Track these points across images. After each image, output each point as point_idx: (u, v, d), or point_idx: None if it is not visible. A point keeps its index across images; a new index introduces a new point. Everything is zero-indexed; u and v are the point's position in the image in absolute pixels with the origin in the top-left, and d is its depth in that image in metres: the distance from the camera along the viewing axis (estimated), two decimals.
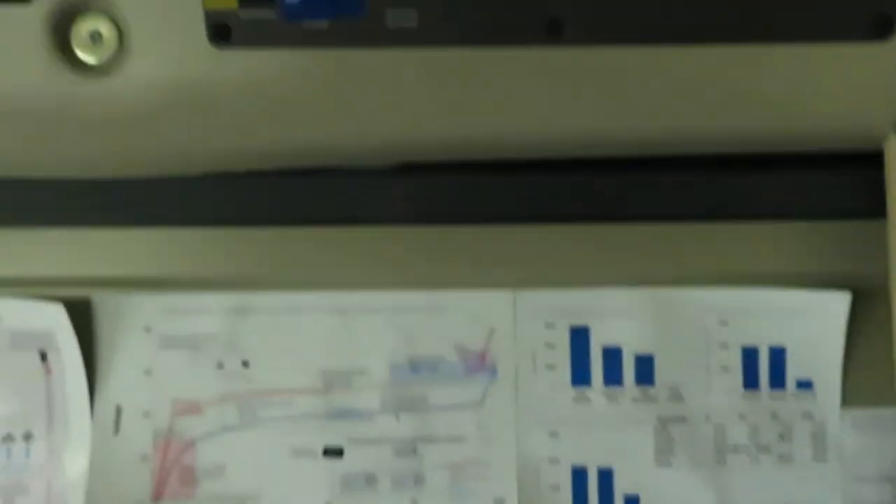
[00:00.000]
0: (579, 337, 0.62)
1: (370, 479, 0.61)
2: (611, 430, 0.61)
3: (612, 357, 0.62)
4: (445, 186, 0.62)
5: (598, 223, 0.62)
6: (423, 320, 0.62)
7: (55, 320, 0.60)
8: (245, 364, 0.62)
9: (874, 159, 0.58)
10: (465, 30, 0.54)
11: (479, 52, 0.55)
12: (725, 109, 0.57)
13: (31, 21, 0.55)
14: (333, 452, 0.62)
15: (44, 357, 0.61)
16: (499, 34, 0.54)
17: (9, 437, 0.61)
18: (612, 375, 0.62)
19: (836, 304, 0.60)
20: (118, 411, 0.62)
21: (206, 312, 0.62)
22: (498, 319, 0.62)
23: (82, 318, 0.62)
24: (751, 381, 0.62)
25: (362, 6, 0.54)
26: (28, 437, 0.61)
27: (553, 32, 0.54)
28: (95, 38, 0.56)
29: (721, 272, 0.61)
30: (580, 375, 0.62)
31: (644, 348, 0.61)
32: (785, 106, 0.57)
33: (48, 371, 0.61)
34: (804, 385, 0.61)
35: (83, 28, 0.56)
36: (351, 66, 0.56)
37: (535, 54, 0.55)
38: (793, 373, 0.62)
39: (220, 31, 0.54)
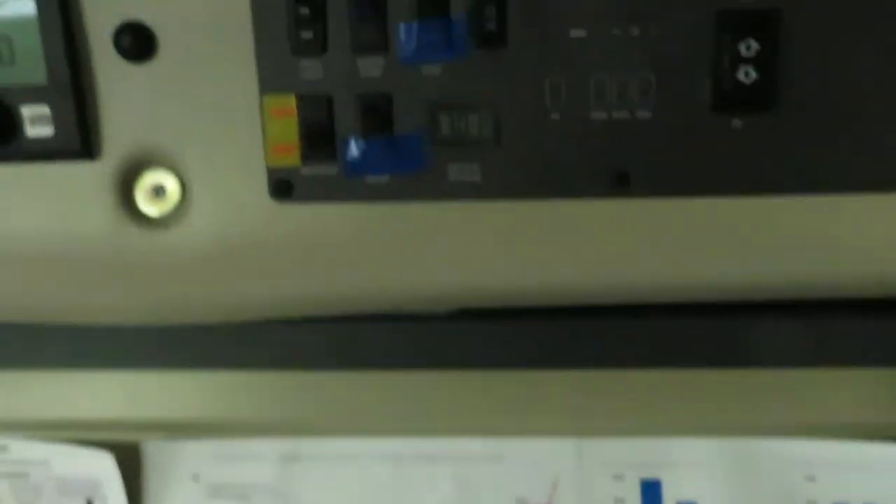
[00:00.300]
0: (650, 491, 0.57)
1: None
2: None
3: None
4: (506, 330, 0.59)
5: (669, 368, 0.58)
6: (482, 470, 0.58)
7: (103, 468, 0.58)
8: None
9: None
10: (529, 183, 0.52)
11: (542, 204, 0.52)
12: (805, 256, 0.53)
13: (98, 175, 0.54)
14: None
15: None
16: (564, 187, 0.52)
17: None
18: None
19: None
20: None
21: (256, 459, 0.59)
22: (562, 470, 0.58)
23: (131, 463, 0.60)
24: None
25: (424, 161, 0.52)
26: None
27: (620, 185, 0.51)
28: (159, 191, 0.55)
29: (806, 422, 0.56)
30: None
31: None
32: (869, 252, 0.53)
33: None
34: None
35: (147, 182, 0.55)
36: (412, 218, 0.53)
37: (601, 205, 0.52)
38: None
39: (283, 187, 0.53)
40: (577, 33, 0.50)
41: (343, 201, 0.53)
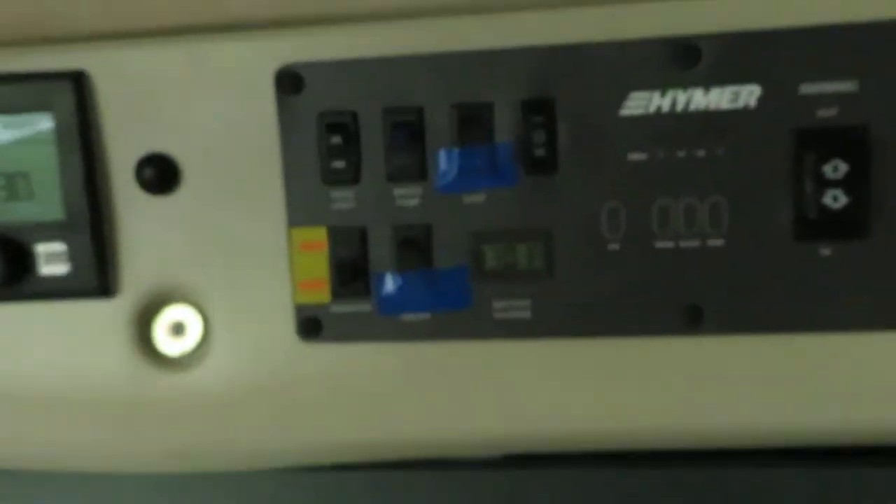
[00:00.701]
0: None
1: None
2: None
3: None
4: (556, 478, 0.51)
5: None
6: None
7: None
8: None
9: None
10: (585, 320, 0.45)
11: (600, 343, 0.45)
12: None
13: (114, 313, 0.49)
14: None
15: None
16: (626, 324, 0.45)
17: None
18: None
19: None
20: None
21: None
22: None
23: None
24: None
25: (467, 297, 0.46)
26: None
27: (692, 321, 0.44)
28: (178, 329, 0.49)
29: None
30: None
31: None
32: None
33: None
34: None
35: (166, 319, 0.49)
36: (454, 359, 0.47)
37: (669, 344, 0.45)
38: None
39: (311, 326, 0.47)
40: (637, 156, 0.44)
41: (377, 341, 0.47)
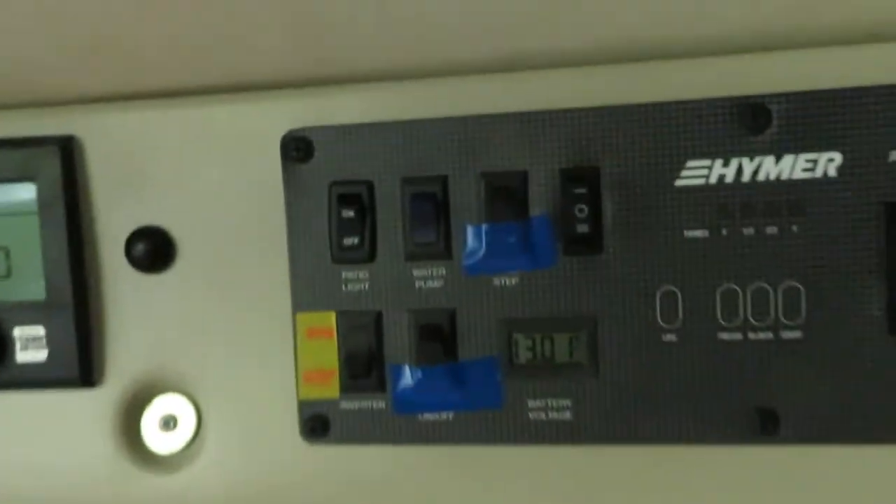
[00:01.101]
0: None
1: None
2: None
3: None
4: None
5: None
6: None
7: None
8: None
9: None
10: (635, 424, 0.37)
11: (652, 451, 0.38)
12: None
13: (98, 405, 0.43)
14: None
15: None
16: (685, 430, 0.37)
17: None
18: None
19: None
20: None
21: None
22: None
23: None
24: None
25: (497, 394, 0.39)
26: None
27: (766, 428, 0.36)
28: (169, 423, 0.42)
29: None
30: None
31: None
32: None
33: None
34: None
35: (155, 412, 0.43)
36: (481, 465, 0.40)
37: (739, 454, 0.37)
38: None
39: (317, 425, 0.40)
40: (697, 233, 0.37)
41: (392, 443, 0.40)
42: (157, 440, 0.43)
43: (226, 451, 0.42)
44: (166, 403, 0.43)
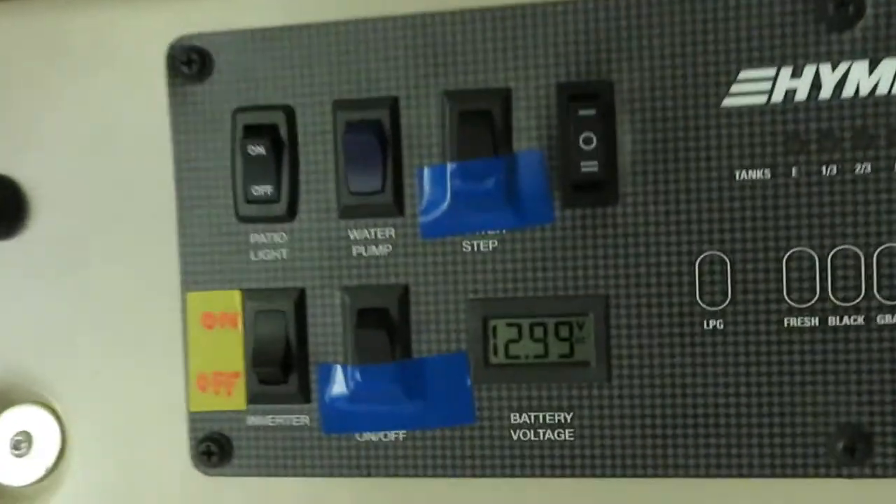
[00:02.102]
0: None
1: None
2: None
3: None
4: None
5: None
6: None
7: None
8: None
9: None
10: (664, 447, 0.25)
11: (685, 485, 0.25)
12: None
13: None
14: None
15: None
16: (739, 457, 0.25)
17: None
18: None
19: None
20: None
21: None
22: None
23: None
24: None
25: (468, 407, 0.26)
26: None
27: (850, 455, 0.24)
28: (20, 445, 0.30)
29: None
30: None
31: None
32: None
33: None
34: None
35: (4, 431, 0.30)
36: (443, 503, 0.27)
37: (815, 488, 0.25)
38: None
39: (215, 448, 0.27)
40: (753, 174, 0.25)
41: (318, 475, 0.27)
42: (6, 467, 0.30)
43: (95, 481, 0.29)
44: (17, 418, 0.30)
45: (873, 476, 0.25)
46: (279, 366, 0.27)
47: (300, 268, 0.28)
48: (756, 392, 0.26)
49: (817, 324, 0.26)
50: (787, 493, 0.26)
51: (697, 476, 0.26)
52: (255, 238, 0.28)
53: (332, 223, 0.28)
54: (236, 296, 0.28)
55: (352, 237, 0.28)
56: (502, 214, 0.26)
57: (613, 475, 0.27)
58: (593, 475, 0.27)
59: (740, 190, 0.26)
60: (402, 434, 0.28)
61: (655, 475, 0.27)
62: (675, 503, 0.27)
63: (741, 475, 0.26)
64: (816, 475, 0.26)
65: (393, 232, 0.27)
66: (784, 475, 0.26)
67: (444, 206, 0.27)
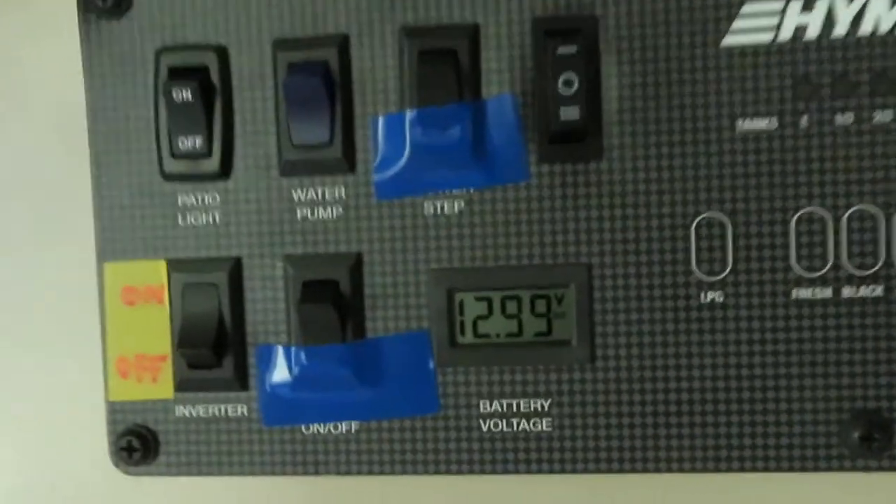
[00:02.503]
0: None
1: None
2: None
3: None
4: None
5: None
6: None
7: None
8: None
9: None
10: (651, 444, 0.22)
11: (679, 480, 0.22)
12: None
13: None
14: None
15: None
16: (744, 448, 0.21)
17: None
18: None
19: None
20: None
21: None
22: None
23: None
24: None
25: (432, 393, 0.23)
26: None
27: (867, 445, 0.21)
28: None
29: None
30: None
31: None
32: None
33: None
34: None
35: None
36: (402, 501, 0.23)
37: (828, 482, 0.22)
38: None
39: (138, 444, 0.23)
40: (756, 124, 0.22)
41: (260, 473, 0.23)
42: None
43: (6, 483, 0.25)
44: None
45: (892, 469, 0.22)
46: (211, 347, 0.23)
47: (236, 234, 0.24)
48: (760, 375, 0.22)
49: (830, 295, 0.22)
50: (796, 489, 0.23)
51: (693, 471, 0.23)
52: (182, 199, 0.24)
53: (272, 181, 0.23)
54: (161, 266, 0.24)
55: (296, 198, 0.24)
56: (470, 171, 0.23)
57: (598, 471, 0.23)
58: (575, 471, 0.23)
59: (743, 142, 0.22)
60: (354, 426, 0.24)
61: (646, 470, 0.23)
62: (670, 503, 0.24)
63: (744, 469, 0.22)
64: (829, 468, 0.22)
65: (343, 191, 0.23)
66: (792, 469, 0.22)
67: (403, 161, 0.23)
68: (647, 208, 0.22)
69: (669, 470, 0.23)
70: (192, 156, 0.23)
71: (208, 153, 0.23)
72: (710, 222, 0.22)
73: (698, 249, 0.22)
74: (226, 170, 0.24)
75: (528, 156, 0.23)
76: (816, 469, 0.22)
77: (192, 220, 0.24)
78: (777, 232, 0.22)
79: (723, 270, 0.22)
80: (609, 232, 0.23)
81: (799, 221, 0.22)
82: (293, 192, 0.24)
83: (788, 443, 0.22)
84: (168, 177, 0.24)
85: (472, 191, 0.23)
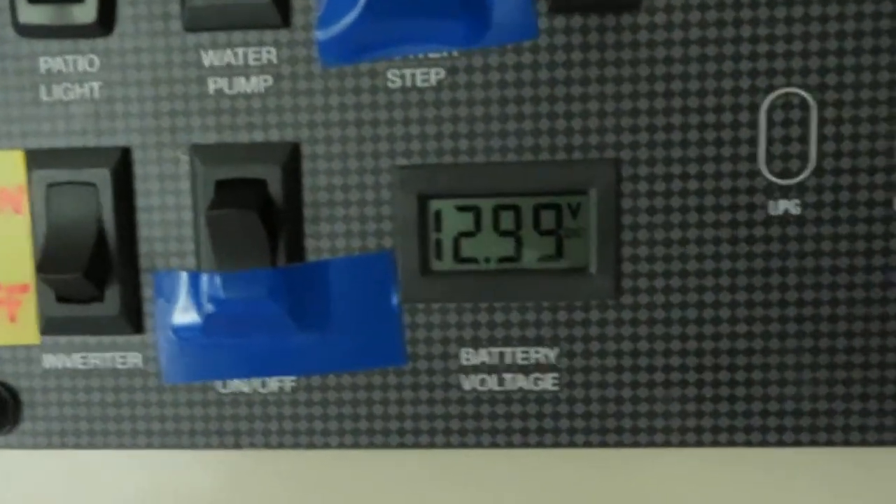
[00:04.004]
0: None
1: None
2: None
3: None
4: None
5: None
6: None
7: None
8: None
9: None
10: (690, 410, 0.15)
11: (715, 455, 0.16)
12: None
13: None
14: None
15: None
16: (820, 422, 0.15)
17: None
18: None
19: None
20: None
21: None
22: None
23: None
24: None
25: (397, 339, 0.16)
26: None
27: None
28: None
29: None
30: None
31: None
32: None
33: None
34: None
35: None
36: (361, 484, 0.17)
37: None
38: None
39: None
40: None
41: (161, 446, 0.17)
42: None
43: None
44: None
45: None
46: (87, 272, 0.17)
47: (122, 114, 0.17)
48: (846, 316, 0.16)
49: None
50: (854, 464, 0.17)
51: (746, 445, 0.17)
52: (46, 63, 0.17)
53: (172, 39, 0.16)
54: (18, 159, 0.17)
55: (206, 62, 0.17)
56: (453, 23, 0.16)
57: (619, 445, 0.16)
58: (589, 444, 0.16)
59: None
60: (289, 383, 0.17)
61: (684, 444, 0.17)
62: (713, 483, 0.18)
63: (815, 443, 0.16)
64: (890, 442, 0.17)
65: (273, 54, 0.17)
66: (875, 443, 0.16)
67: (357, 9, 0.16)
68: (700, 81, 0.16)
69: (715, 443, 0.17)
70: (57, 0, 0.16)
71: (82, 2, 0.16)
72: (787, 102, 0.16)
73: (770, 140, 0.16)
74: (106, 20, 0.16)
75: (535, 2, 0.16)
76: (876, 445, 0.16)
77: (61, 93, 0.17)
78: (880, 116, 0.16)
79: (802, 170, 0.16)
80: (646, 115, 0.16)
81: None
82: (202, 54, 0.17)
83: (882, 409, 0.16)
84: (24, 30, 0.17)
85: (455, 53, 0.16)
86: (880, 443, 0.16)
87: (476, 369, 0.17)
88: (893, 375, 0.16)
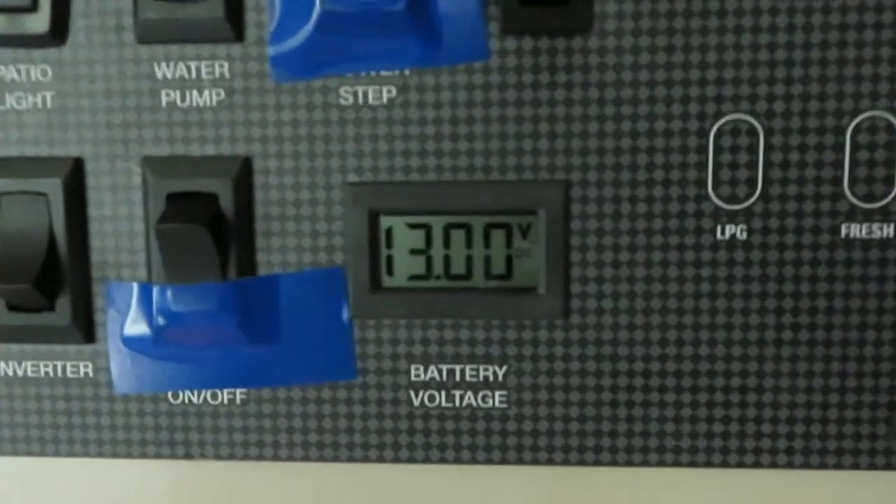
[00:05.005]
0: None
1: None
2: None
3: None
4: None
5: None
6: None
7: None
8: None
9: None
10: (641, 431, 0.15)
11: (662, 476, 0.16)
12: None
13: None
14: None
15: None
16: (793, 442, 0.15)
17: None
18: None
19: None
20: None
21: None
22: None
23: None
24: None
25: (347, 354, 0.16)
26: None
27: None
28: None
29: None
30: None
31: None
32: None
33: None
34: None
35: None
36: (311, 498, 0.16)
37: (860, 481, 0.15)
38: None
39: None
40: None
41: (112, 455, 0.16)
42: None
43: None
44: None
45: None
46: (37, 282, 0.16)
47: (74, 124, 0.16)
48: (791, 341, 0.16)
49: (892, 234, 0.16)
50: (838, 489, 0.17)
51: (693, 466, 0.17)
52: (1, 72, 0.17)
53: (125, 51, 0.16)
54: None
55: (159, 75, 0.16)
56: (405, 42, 0.16)
57: (567, 463, 0.16)
58: (536, 462, 0.16)
59: (788, 15, 0.16)
60: (240, 395, 0.17)
61: (631, 464, 0.17)
62: (662, 502, 0.17)
63: (759, 465, 0.16)
64: (872, 466, 0.16)
65: (226, 68, 0.16)
66: (837, 466, 0.16)
67: (310, 26, 0.16)
68: (650, 105, 0.16)
69: (662, 464, 0.17)
70: (9, 8, 0.16)
71: (33, 5, 0.16)
72: (735, 128, 0.16)
73: (717, 166, 0.16)
74: (60, 31, 0.16)
75: (487, 24, 0.16)
76: (857, 466, 0.16)
77: (13, 103, 0.17)
78: (827, 144, 0.15)
79: (750, 196, 0.16)
80: (596, 137, 0.16)
81: (857, 130, 0.15)
82: (155, 66, 0.16)
83: (839, 432, 0.16)
84: None
85: (407, 72, 0.16)
86: (810, 466, 0.16)
87: (425, 385, 0.17)
88: (836, 399, 0.16)
